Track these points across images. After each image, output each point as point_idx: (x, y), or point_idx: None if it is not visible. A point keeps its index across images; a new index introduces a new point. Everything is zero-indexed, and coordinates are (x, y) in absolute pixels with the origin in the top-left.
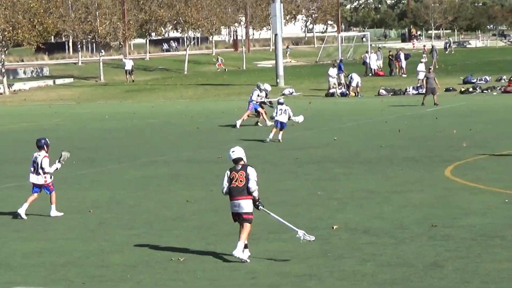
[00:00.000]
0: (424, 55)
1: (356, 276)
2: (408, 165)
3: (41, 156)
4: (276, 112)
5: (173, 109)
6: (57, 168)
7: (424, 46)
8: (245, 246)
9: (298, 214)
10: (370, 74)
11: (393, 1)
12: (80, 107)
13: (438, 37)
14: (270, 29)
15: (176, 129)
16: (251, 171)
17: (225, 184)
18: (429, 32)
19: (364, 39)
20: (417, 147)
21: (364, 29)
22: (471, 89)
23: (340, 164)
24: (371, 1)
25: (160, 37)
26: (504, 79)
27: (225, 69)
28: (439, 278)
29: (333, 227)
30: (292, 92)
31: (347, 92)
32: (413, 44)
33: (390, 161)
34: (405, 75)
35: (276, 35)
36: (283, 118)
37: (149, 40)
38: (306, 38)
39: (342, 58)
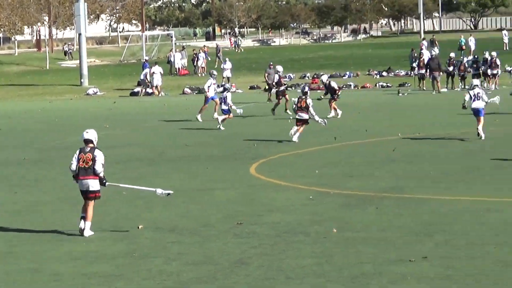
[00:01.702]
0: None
1: (162, 276)
2: (213, 163)
3: None
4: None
5: None
6: None
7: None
8: (83, 218)
9: (104, 213)
10: (175, 73)
11: (198, 0)
12: None
13: (242, 35)
14: (74, 29)
15: None
16: (99, 154)
17: (74, 162)
18: (235, 30)
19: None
20: (223, 145)
21: (169, 28)
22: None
23: (145, 163)
24: (175, 0)
25: None
26: (308, 76)
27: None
28: (244, 275)
29: (138, 227)
30: (96, 92)
31: (152, 91)
32: (231, 43)
33: (195, 159)
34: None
35: (80, 34)
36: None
37: None
38: (110, 37)
39: (146, 58)
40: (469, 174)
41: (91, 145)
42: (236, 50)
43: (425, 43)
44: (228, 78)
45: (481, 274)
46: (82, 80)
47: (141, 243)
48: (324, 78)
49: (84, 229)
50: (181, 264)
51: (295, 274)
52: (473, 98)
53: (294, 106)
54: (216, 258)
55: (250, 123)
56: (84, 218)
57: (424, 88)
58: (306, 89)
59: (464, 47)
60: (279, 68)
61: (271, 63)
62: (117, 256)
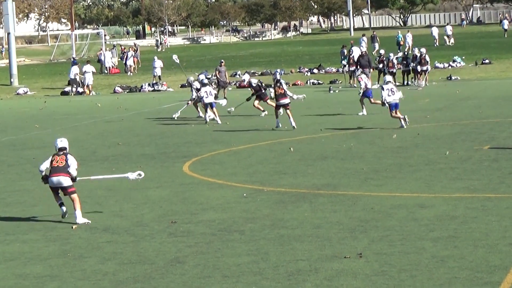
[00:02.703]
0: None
1: (97, 276)
2: (145, 161)
3: None
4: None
5: None
6: None
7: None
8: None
9: (37, 214)
10: (106, 72)
11: None
12: None
13: (173, 33)
14: (2, 28)
15: None
16: (72, 159)
17: (46, 163)
18: (163, 28)
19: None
20: (154, 143)
21: (99, 27)
22: None
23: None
24: None
25: None
26: (239, 74)
27: None
28: (180, 274)
29: (72, 227)
30: (27, 92)
31: (83, 90)
32: (164, 41)
33: (127, 158)
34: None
35: (8, 33)
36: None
37: None
38: (40, 36)
39: (74, 56)
40: (401, 170)
41: (65, 151)
42: (158, 50)
43: (365, 39)
44: (159, 76)
45: (416, 269)
46: (12, 80)
47: (75, 243)
48: (246, 77)
49: (67, 212)
50: (116, 264)
51: (231, 272)
52: (389, 93)
53: (273, 95)
54: (152, 258)
55: (181, 122)
56: (62, 204)
57: (355, 85)
58: (278, 76)
59: (402, 43)
60: (245, 77)
61: (222, 61)
62: (51, 257)
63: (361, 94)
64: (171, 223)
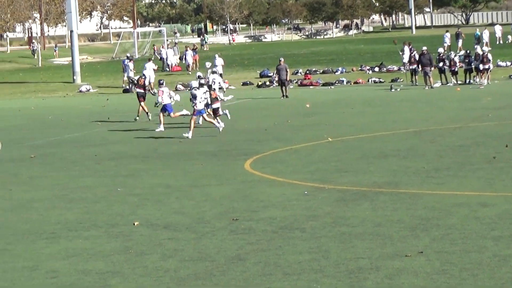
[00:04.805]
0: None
1: (159, 272)
2: (207, 159)
3: None
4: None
5: None
6: None
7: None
8: None
9: (98, 211)
10: (167, 69)
11: None
12: None
13: (235, 31)
14: (65, 26)
15: None
16: None
17: None
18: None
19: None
20: (216, 141)
21: (161, 25)
22: (268, 83)
23: (138, 160)
24: None
25: None
26: (301, 72)
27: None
28: (241, 271)
29: (134, 224)
30: (89, 89)
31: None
32: (233, 39)
33: (188, 156)
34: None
35: (71, 31)
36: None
37: None
38: (102, 34)
39: (128, 55)
40: (462, 169)
41: None
42: (204, 49)
43: (448, 35)
44: (220, 74)
45: (477, 268)
46: (74, 77)
47: (137, 240)
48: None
49: None
50: (177, 261)
51: (292, 270)
52: None
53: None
54: (213, 255)
55: (243, 119)
56: None
57: (417, 83)
58: (210, 83)
59: (480, 40)
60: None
61: (281, 59)
62: (113, 253)
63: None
64: (232, 220)
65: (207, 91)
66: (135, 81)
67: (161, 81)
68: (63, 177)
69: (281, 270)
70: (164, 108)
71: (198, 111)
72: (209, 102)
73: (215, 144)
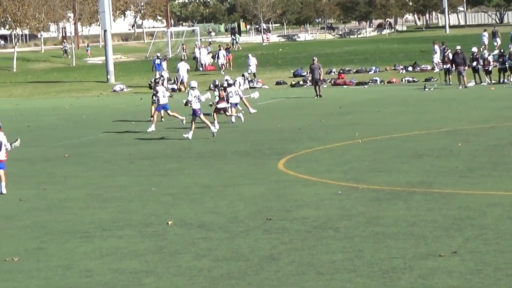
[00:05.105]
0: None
1: (192, 272)
2: (240, 158)
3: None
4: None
5: (2, 107)
6: (7, 149)
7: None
8: None
9: (132, 211)
10: (201, 69)
11: None
12: None
13: (269, 30)
14: (99, 25)
15: (5, 127)
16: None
17: None
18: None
19: (210, 31)
20: (249, 140)
21: (194, 24)
22: (301, 82)
23: (172, 159)
24: None
25: None
26: (334, 72)
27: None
28: (275, 271)
29: (168, 223)
30: (123, 88)
31: (177, 87)
32: (267, 38)
33: (222, 155)
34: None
35: (105, 31)
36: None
37: None
38: (135, 34)
39: (158, 55)
40: (496, 169)
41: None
42: (234, 48)
43: (486, 34)
44: (254, 74)
45: (511, 268)
46: (108, 77)
47: (170, 239)
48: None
49: None
50: (211, 260)
51: (326, 269)
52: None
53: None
54: (246, 254)
55: (276, 118)
56: None
57: (450, 83)
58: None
59: None
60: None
61: (315, 58)
62: (147, 253)
63: None
64: (266, 220)
65: (200, 94)
66: (153, 83)
67: (157, 80)
68: (97, 177)
69: (314, 269)
70: (164, 107)
71: (194, 111)
72: (203, 101)
73: (248, 143)
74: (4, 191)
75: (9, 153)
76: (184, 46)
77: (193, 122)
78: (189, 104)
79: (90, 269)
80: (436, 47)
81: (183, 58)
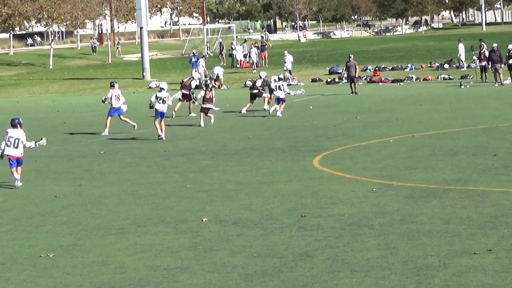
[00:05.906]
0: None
1: (227, 268)
2: (276, 155)
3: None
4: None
5: (39, 104)
6: (30, 146)
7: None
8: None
9: (167, 207)
10: (238, 66)
11: None
12: None
13: (305, 27)
14: (135, 22)
15: (42, 123)
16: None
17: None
18: (297, 23)
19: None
20: (285, 137)
21: (230, 21)
22: (337, 79)
23: (208, 156)
24: None
25: (24, 32)
26: (370, 69)
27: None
28: (309, 268)
29: (202, 220)
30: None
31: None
32: (304, 36)
33: (258, 152)
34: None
35: (141, 28)
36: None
37: (13, 35)
38: (171, 30)
39: (194, 52)
40: None
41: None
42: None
43: None
44: (289, 71)
45: None
46: (144, 74)
47: (205, 236)
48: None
49: None
50: (245, 257)
51: (360, 266)
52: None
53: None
54: (281, 251)
55: (312, 115)
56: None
57: (487, 80)
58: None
59: None
60: (262, 74)
61: (351, 55)
62: (181, 249)
63: None
64: (300, 217)
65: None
66: (184, 82)
67: (112, 83)
68: (132, 173)
69: (349, 267)
70: (116, 111)
71: (156, 111)
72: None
73: (284, 140)
74: (19, 184)
75: (44, 149)
76: (208, 44)
77: (157, 123)
78: (151, 105)
79: (124, 266)
80: (461, 45)
81: (206, 55)
